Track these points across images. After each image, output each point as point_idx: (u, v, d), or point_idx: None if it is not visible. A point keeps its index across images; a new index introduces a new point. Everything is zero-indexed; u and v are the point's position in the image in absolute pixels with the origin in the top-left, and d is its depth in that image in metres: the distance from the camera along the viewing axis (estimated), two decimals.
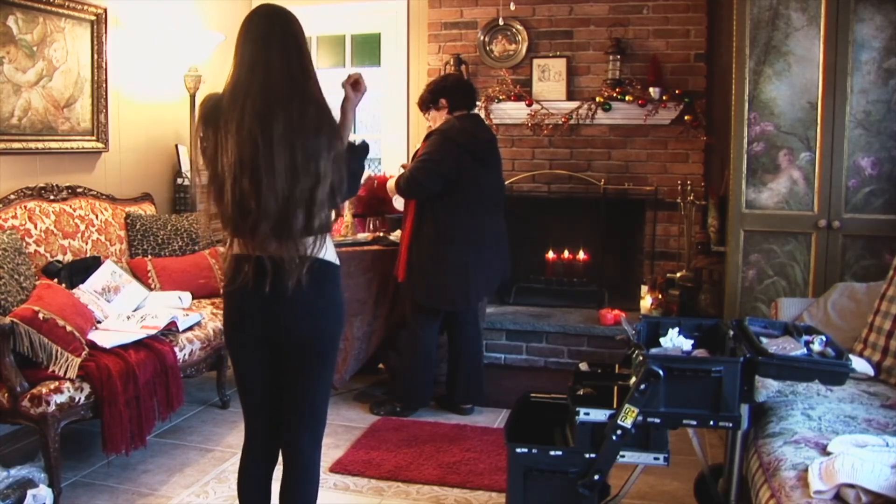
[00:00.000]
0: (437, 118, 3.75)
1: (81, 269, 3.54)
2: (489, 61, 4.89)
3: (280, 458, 2.21)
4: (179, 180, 4.71)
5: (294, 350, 2.09)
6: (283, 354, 2.10)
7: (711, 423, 2.25)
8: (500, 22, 4.83)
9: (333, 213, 2.13)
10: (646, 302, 4.49)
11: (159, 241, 4.09)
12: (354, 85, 2.16)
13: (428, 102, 3.78)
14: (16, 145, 3.63)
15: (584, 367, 2.71)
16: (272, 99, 1.93)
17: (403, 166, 3.88)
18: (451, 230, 3.62)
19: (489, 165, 3.72)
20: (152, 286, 3.84)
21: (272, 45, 1.97)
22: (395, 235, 4.07)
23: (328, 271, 2.07)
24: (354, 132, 5.65)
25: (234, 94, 1.96)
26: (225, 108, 1.96)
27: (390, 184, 3.87)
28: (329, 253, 2.07)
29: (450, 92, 3.73)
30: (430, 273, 3.63)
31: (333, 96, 2.11)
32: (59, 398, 2.73)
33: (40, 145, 3.77)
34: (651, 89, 4.54)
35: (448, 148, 3.59)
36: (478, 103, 4.72)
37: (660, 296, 4.39)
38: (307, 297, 2.03)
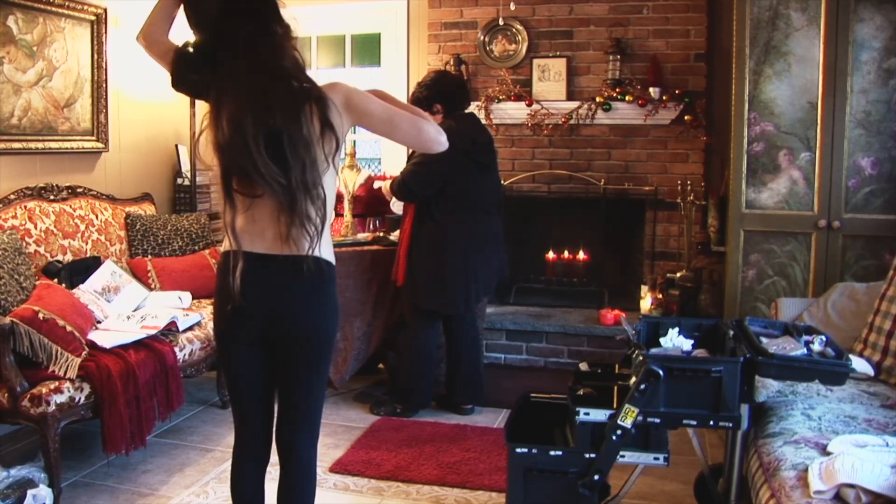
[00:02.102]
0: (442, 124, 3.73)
1: (81, 269, 3.54)
2: (489, 61, 4.89)
3: (273, 457, 2.19)
4: (179, 180, 4.71)
5: (292, 349, 2.07)
6: (280, 353, 2.08)
7: (711, 423, 2.25)
8: (500, 22, 4.83)
9: (333, 214, 2.12)
10: (646, 302, 4.49)
11: (159, 241, 4.09)
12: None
13: (422, 105, 3.67)
14: (16, 145, 3.63)
15: (584, 367, 2.71)
16: (247, 99, 1.88)
17: (377, 177, 3.87)
18: (450, 233, 3.61)
19: (488, 169, 3.71)
20: (152, 286, 3.84)
21: (239, 30, 1.90)
22: (395, 235, 4.07)
23: (325, 270, 2.06)
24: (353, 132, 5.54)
25: (216, 99, 1.92)
26: (212, 110, 1.93)
27: (385, 186, 3.84)
28: (325, 250, 2.05)
29: (447, 97, 3.68)
30: (431, 277, 3.62)
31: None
32: (59, 398, 2.73)
33: (40, 145, 3.77)
34: (651, 89, 4.54)
35: (443, 154, 3.54)
36: (478, 103, 4.74)
37: (660, 296, 4.39)
38: (307, 296, 2.02)
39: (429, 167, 3.54)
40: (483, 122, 4.59)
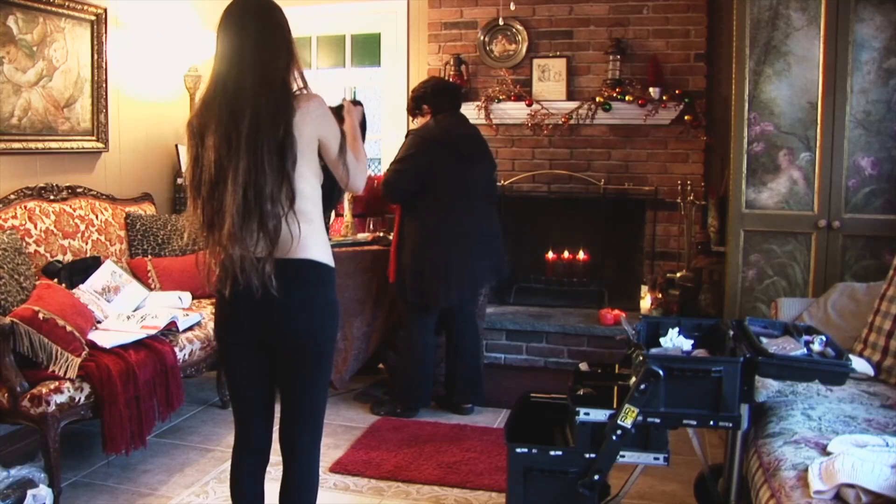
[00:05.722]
0: (423, 123, 3.79)
1: (81, 269, 3.53)
2: (489, 61, 4.89)
3: (275, 457, 2.19)
4: (179, 180, 4.71)
5: (289, 353, 2.06)
6: (279, 357, 2.08)
7: (711, 423, 2.25)
8: (500, 22, 4.83)
9: (333, 214, 2.12)
10: (646, 302, 4.49)
11: (159, 241, 4.09)
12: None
13: (413, 109, 3.84)
14: (16, 145, 3.63)
15: (584, 367, 2.71)
16: (243, 95, 1.91)
17: (376, 178, 3.96)
18: (432, 228, 3.63)
19: (472, 160, 3.70)
20: (152, 286, 3.84)
21: (247, 35, 1.94)
22: None
23: (320, 273, 2.04)
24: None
25: (211, 95, 1.96)
26: (204, 109, 1.95)
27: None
28: (319, 253, 2.04)
29: (430, 97, 3.76)
30: (413, 270, 3.64)
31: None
32: (59, 398, 2.73)
33: (40, 145, 3.77)
34: (651, 89, 4.54)
35: (419, 147, 3.61)
36: (478, 103, 4.74)
37: (660, 296, 4.39)
38: (299, 300, 2.01)
39: (405, 162, 3.61)
40: (483, 122, 4.61)
